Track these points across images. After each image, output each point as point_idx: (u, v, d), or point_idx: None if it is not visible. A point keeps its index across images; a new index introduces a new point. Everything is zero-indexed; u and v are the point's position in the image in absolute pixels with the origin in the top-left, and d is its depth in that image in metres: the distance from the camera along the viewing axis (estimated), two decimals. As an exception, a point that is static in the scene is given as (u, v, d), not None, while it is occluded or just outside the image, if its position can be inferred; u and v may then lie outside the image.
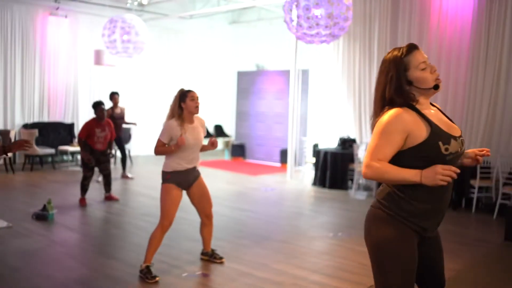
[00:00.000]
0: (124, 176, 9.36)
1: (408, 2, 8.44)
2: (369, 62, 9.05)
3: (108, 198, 7.33)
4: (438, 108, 2.35)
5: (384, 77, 2.21)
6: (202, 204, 4.54)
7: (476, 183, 7.17)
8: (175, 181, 4.31)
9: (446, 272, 4.65)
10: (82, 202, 7.00)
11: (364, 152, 8.56)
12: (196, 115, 4.42)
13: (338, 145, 9.26)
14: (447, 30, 7.99)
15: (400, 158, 2.17)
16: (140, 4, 11.47)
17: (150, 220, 6.25)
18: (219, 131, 14.65)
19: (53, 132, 10.83)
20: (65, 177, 9.30)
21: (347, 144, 9.03)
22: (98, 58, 10.46)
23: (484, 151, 2.38)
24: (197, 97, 4.30)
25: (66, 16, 11.20)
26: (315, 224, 6.44)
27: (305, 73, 11.24)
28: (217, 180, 9.59)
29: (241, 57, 14.12)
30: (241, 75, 13.14)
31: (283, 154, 11.32)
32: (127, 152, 11.28)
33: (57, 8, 10.99)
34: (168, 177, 4.29)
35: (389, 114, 2.14)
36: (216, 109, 14.62)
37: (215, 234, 5.57)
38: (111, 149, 7.24)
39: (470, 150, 2.43)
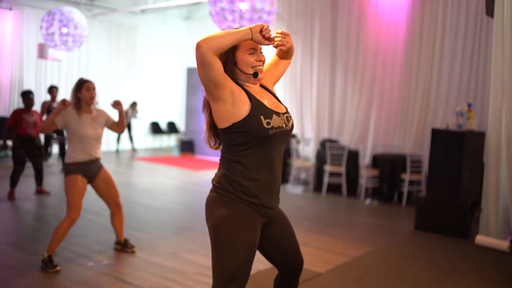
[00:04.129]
0: (63, 170, 9.26)
1: (347, 2, 8.56)
2: (310, 58, 9.13)
3: (39, 191, 7.24)
4: (268, 90, 2.40)
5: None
6: (109, 194, 4.55)
7: (407, 177, 7.34)
8: (81, 172, 4.31)
9: (346, 258, 4.79)
10: (10, 195, 6.88)
11: (297, 146, 8.66)
12: (99, 109, 4.48)
13: (279, 140, 9.32)
14: (383, 31, 8.14)
15: (228, 137, 2.22)
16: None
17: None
18: (172, 127, 14.59)
19: (-5, 127, 10.63)
20: (3, 172, 9.13)
21: (287, 139, 9.11)
22: (41, 52, 10.27)
23: None
24: (93, 88, 4.34)
25: (10, 9, 11.00)
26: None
27: (252, 69, 11.29)
28: (159, 175, 9.58)
29: (194, 53, 14.07)
30: (191, 72, 13.14)
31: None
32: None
33: (1, 0, 10.79)
34: (73, 168, 4.29)
35: None
36: (168, 106, 14.58)
37: (136, 225, 5.62)
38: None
39: None
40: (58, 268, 4.15)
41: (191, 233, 5.49)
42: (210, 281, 3.98)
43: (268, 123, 2.16)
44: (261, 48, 2.28)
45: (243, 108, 2.16)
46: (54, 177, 8.71)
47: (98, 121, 4.40)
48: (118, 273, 4.20)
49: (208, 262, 4.51)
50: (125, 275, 4.14)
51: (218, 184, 2.28)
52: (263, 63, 2.28)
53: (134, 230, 5.38)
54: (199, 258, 4.63)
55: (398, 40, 8.04)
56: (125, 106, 12.53)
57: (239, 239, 2.20)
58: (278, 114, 2.24)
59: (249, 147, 2.20)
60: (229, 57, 2.22)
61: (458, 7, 7.39)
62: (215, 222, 2.23)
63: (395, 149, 8.08)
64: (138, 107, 13.05)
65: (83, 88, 4.30)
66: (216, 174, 2.33)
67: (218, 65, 2.11)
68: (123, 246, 4.74)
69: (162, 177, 9.34)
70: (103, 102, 12.67)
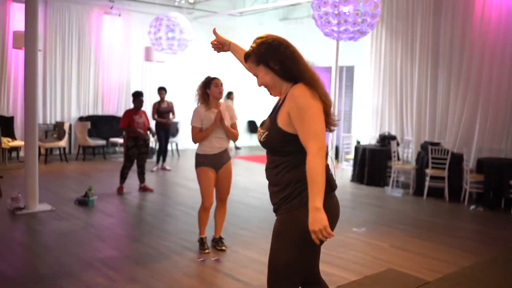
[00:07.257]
0: (162, 167, 9.74)
1: (450, 3, 8.29)
2: (411, 59, 8.95)
3: (143, 188, 7.64)
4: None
5: None
6: (222, 187, 4.77)
7: (515, 183, 7.00)
8: (209, 163, 4.61)
9: (452, 266, 4.66)
10: (120, 190, 7.38)
11: (396, 148, 8.50)
12: (224, 102, 4.76)
13: (378, 141, 9.23)
14: (490, 32, 7.78)
15: None
16: (189, 2, 11.81)
17: (183, 209, 6.58)
18: (253, 126, 14.77)
19: (106, 125, 11.40)
20: (113, 167, 9.80)
21: (386, 140, 8.98)
22: (148, 54, 10.90)
23: None
24: (221, 84, 4.64)
25: (119, 15, 11.74)
26: (343, 218, 6.34)
27: (350, 69, 11.23)
28: (255, 173, 9.81)
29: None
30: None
31: (326, 151, 11.36)
32: (174, 145, 11.77)
33: (112, 7, 11.54)
34: (202, 160, 4.61)
35: None
36: (255, 105, 14.81)
37: (240, 224, 5.83)
38: (152, 133, 7.89)
39: None
40: (207, 251, 4.71)
41: (293, 233, 5.60)
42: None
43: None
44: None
45: None
46: (155, 174, 9.21)
47: (223, 114, 4.63)
48: (226, 269, 4.39)
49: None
50: (234, 272, 4.33)
51: None
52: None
53: (239, 229, 5.59)
54: (302, 258, 4.73)
55: (506, 42, 7.67)
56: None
57: None
58: (261, 126, 2.48)
59: None
60: None
61: None
62: None
63: (502, 153, 7.71)
64: (244, 104, 13.35)
65: (212, 85, 4.60)
66: None
67: None
68: (215, 243, 4.92)
69: (259, 175, 9.55)
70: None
